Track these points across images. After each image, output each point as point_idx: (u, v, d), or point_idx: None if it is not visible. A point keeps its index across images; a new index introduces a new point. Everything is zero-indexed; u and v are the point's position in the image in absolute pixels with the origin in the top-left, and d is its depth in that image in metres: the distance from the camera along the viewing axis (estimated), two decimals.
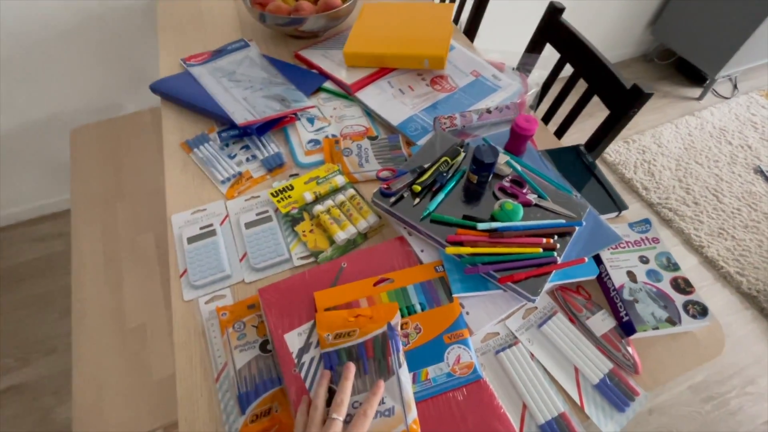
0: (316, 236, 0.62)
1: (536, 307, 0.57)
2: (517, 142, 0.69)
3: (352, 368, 0.46)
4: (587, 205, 0.61)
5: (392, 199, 0.60)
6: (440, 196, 0.60)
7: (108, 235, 0.87)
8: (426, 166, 0.63)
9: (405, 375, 0.47)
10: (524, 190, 0.61)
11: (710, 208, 1.56)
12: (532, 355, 0.53)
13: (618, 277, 0.57)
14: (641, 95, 0.72)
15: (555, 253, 0.55)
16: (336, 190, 0.67)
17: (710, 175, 1.66)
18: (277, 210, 0.65)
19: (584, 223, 0.59)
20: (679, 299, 0.55)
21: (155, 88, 0.79)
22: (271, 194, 0.65)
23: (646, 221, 0.63)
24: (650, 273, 0.57)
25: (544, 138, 0.80)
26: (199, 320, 0.55)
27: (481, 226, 0.56)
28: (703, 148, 1.76)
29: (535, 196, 0.61)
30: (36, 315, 1.24)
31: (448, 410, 0.47)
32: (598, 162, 1.73)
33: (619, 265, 0.58)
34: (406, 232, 0.61)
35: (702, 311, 0.54)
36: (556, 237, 0.57)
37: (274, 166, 0.71)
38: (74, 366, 0.72)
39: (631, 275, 0.57)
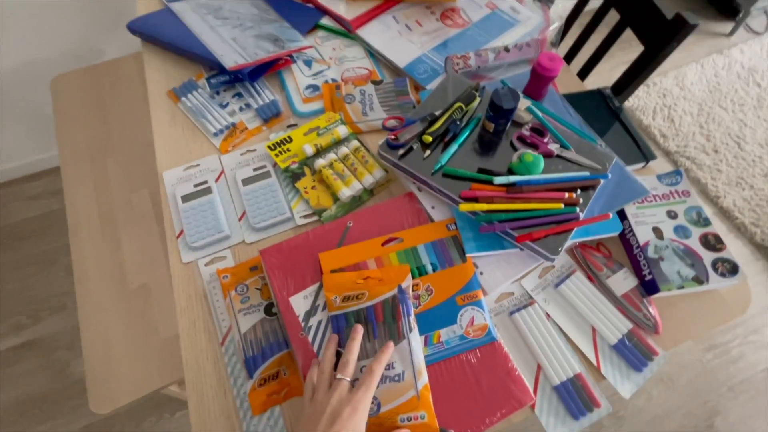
0: (318, 193, 0.57)
1: (553, 266, 0.54)
2: (538, 84, 0.62)
3: (359, 329, 0.44)
4: (613, 155, 0.55)
5: (400, 152, 0.55)
6: (453, 148, 0.55)
7: (101, 193, 0.83)
8: (437, 113, 0.57)
9: (416, 340, 0.44)
10: (545, 140, 0.56)
11: (730, 156, 1.49)
12: (548, 316, 0.51)
13: (643, 234, 0.53)
14: (685, 26, 0.63)
15: (577, 209, 0.51)
16: (338, 142, 0.61)
17: (734, 120, 1.57)
18: (275, 165, 0.60)
19: (610, 176, 0.54)
20: (708, 257, 0.51)
21: (133, 28, 0.71)
22: (269, 147, 0.60)
23: (678, 173, 0.58)
24: (678, 229, 0.53)
25: (565, 80, 0.73)
26: (200, 283, 0.52)
27: (497, 180, 0.51)
28: (728, 91, 1.64)
29: (557, 146, 0.56)
30: (42, 273, 1.24)
31: (461, 373, 0.45)
32: None
33: (644, 221, 0.54)
34: (415, 187, 0.57)
35: (732, 269, 0.50)
36: (578, 191, 0.52)
37: (269, 115, 0.65)
38: (81, 326, 0.72)
39: (657, 231, 0.53)
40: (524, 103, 0.57)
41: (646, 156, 0.61)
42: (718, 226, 1.39)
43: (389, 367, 0.43)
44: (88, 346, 0.70)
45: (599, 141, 0.59)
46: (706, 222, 0.54)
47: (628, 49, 1.17)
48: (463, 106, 0.57)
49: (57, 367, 1.12)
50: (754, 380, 1.17)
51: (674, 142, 1.53)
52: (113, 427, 1.05)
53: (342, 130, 0.61)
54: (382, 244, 0.51)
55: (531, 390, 0.46)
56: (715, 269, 0.50)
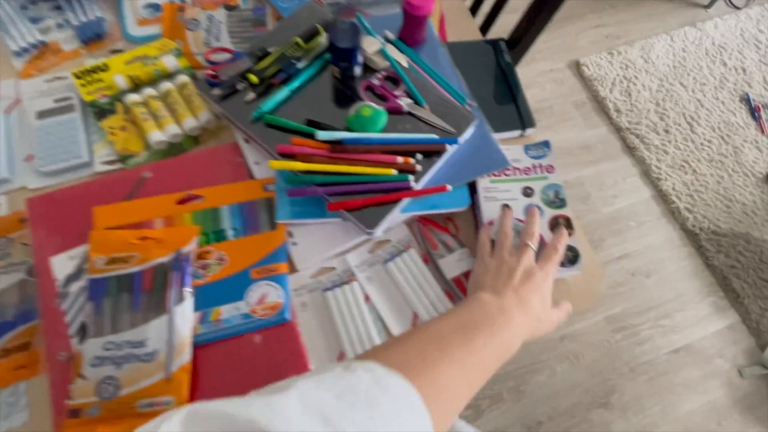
0: (128, 135, 0.48)
1: (389, 241, 0.47)
2: (410, 26, 0.52)
3: (536, 210, 0.45)
4: (473, 118, 0.47)
5: (215, 91, 0.45)
6: (282, 92, 0.46)
7: None
8: (272, 49, 0.47)
9: (183, 314, 0.38)
10: (396, 93, 0.47)
11: (680, 137, 1.43)
12: (367, 297, 0.44)
13: (490, 211, 0.46)
14: None
15: (411, 177, 0.43)
16: (164, 76, 0.51)
17: (691, 100, 1.49)
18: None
19: (460, 141, 0.46)
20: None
21: None
22: (75, 75, 0.49)
23: (546, 144, 0.50)
24: (529, 209, 0.46)
25: (464, 29, 0.62)
26: None
27: (320, 135, 0.43)
28: (693, 68, 1.55)
29: (410, 101, 0.47)
30: None
31: (239, 356, 0.39)
32: (576, 74, 1.53)
33: (495, 197, 0.47)
34: (243, 138, 0.48)
35: (573, 258, 0.45)
36: (419, 156, 0.44)
37: (91, 36, 0.53)
38: None
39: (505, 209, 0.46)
40: (373, 43, 0.48)
41: (524, 123, 0.53)
42: (652, 210, 1.35)
43: (138, 344, 0.36)
44: None
45: (469, 100, 0.50)
46: (562, 203, 0.47)
47: None
48: (301, 43, 0.47)
49: None
50: (656, 362, 1.18)
51: (627, 118, 1.45)
52: None
53: (170, 62, 0.51)
54: (178, 202, 0.43)
55: None
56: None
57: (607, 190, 1.38)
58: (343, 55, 0.44)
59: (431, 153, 0.45)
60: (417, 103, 0.47)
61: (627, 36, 1.62)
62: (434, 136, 0.45)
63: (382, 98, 0.47)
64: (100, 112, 0.49)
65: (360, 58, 0.46)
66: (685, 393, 1.16)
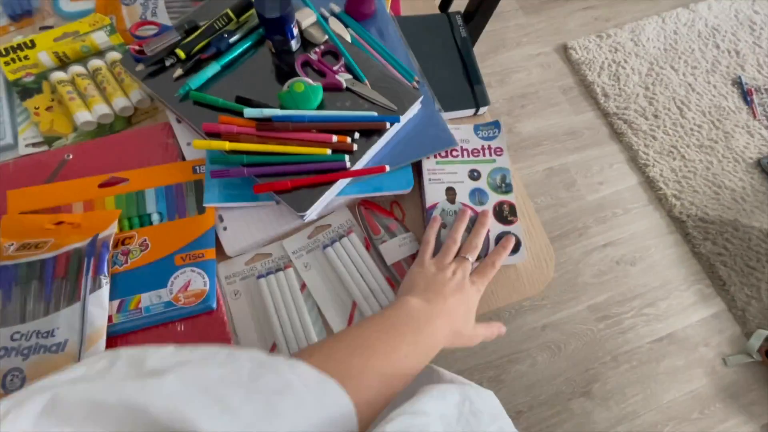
0: (54, 116, 0.46)
1: (329, 225, 0.45)
2: None
3: (488, 214, 0.43)
4: (419, 94, 0.45)
5: (140, 67, 0.42)
6: (212, 68, 0.43)
7: None
8: (202, 23, 0.44)
9: (97, 303, 0.36)
10: (336, 68, 0.44)
11: (669, 123, 1.39)
12: (303, 285, 0.42)
13: (434, 194, 0.44)
14: None
15: (347, 158, 0.41)
16: (94, 54, 0.48)
17: (681, 84, 1.45)
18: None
19: (403, 119, 0.43)
20: (495, 229, 0.43)
21: None
22: None
23: (496, 124, 0.47)
24: (475, 193, 0.44)
25: (421, 4, 0.59)
26: None
27: (248, 112, 0.40)
28: (684, 50, 1.51)
29: (350, 77, 0.44)
30: None
31: (157, 344, 0.37)
32: (564, 58, 1.48)
33: (440, 179, 0.44)
34: (175, 118, 0.45)
35: (514, 247, 0.42)
36: (357, 135, 0.42)
37: (19, 11, 0.51)
38: None
39: (450, 192, 0.44)
40: (309, 15, 0.45)
41: (477, 101, 0.50)
42: (639, 197, 1.32)
43: (47, 334, 0.34)
44: None
45: (418, 77, 0.48)
46: (508, 189, 0.44)
47: None
48: (232, 15, 0.44)
49: None
50: (639, 351, 1.17)
51: (615, 102, 1.41)
52: None
53: (99, 38, 0.48)
54: (101, 185, 0.41)
55: None
56: (497, 243, 0.42)
57: (593, 176, 1.34)
58: (273, 27, 0.41)
59: (371, 132, 0.42)
60: (357, 78, 0.44)
61: (617, 18, 1.58)
62: (374, 113, 0.43)
63: (320, 74, 0.44)
64: (24, 91, 0.46)
65: (295, 31, 0.43)
66: (668, 382, 1.14)
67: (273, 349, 0.40)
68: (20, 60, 0.47)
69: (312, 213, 0.40)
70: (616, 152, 1.38)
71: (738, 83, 1.46)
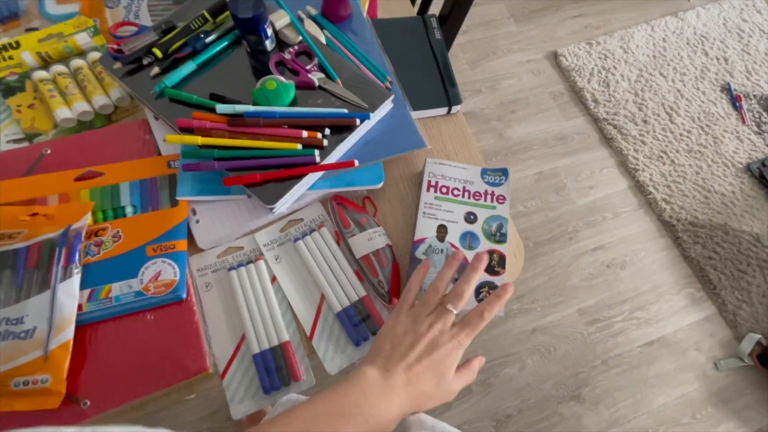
0: (35, 113, 0.47)
1: (302, 219, 0.46)
2: (332, 2, 0.50)
3: (484, 259, 0.38)
4: (391, 94, 0.46)
5: (117, 65, 0.44)
6: (188, 67, 0.44)
7: None
8: (180, 24, 0.46)
9: (67, 291, 0.37)
10: (309, 67, 0.45)
11: (659, 128, 1.40)
12: (274, 278, 0.43)
13: (424, 229, 0.44)
14: None
15: (317, 152, 0.42)
16: (76, 54, 0.50)
17: (671, 91, 1.47)
18: None
19: (373, 116, 0.44)
20: (479, 278, 0.43)
21: None
22: None
23: (504, 171, 0.47)
24: (466, 236, 0.44)
25: (398, 8, 0.61)
26: None
27: (220, 108, 0.42)
28: (673, 57, 1.52)
29: (322, 75, 0.46)
30: None
31: (128, 335, 0.38)
32: (554, 65, 1.50)
33: (435, 215, 0.45)
34: (153, 115, 0.46)
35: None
36: (327, 131, 0.43)
37: (6, 14, 0.52)
38: None
39: (441, 230, 0.44)
40: (283, 17, 0.46)
41: (450, 100, 0.51)
42: (629, 201, 1.33)
43: (16, 321, 0.35)
44: None
45: (390, 77, 0.49)
46: (502, 239, 0.44)
47: None
48: (208, 16, 0.45)
49: None
50: (629, 355, 1.16)
51: (604, 108, 1.43)
52: None
53: (82, 39, 0.50)
54: (77, 179, 0.42)
55: (228, 357, 0.39)
56: (477, 294, 0.42)
57: (583, 181, 1.35)
58: (246, 27, 0.43)
59: (342, 128, 0.43)
60: (329, 77, 0.46)
61: (607, 26, 1.60)
62: (345, 110, 0.44)
63: (294, 72, 0.46)
64: (7, 89, 0.47)
65: (269, 32, 0.45)
66: (658, 386, 1.14)
67: (243, 338, 0.41)
68: (5, 60, 0.48)
69: (282, 206, 0.41)
70: (606, 157, 1.39)
71: (727, 89, 1.48)
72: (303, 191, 0.43)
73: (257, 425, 0.30)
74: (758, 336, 1.15)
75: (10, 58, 0.49)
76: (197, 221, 0.43)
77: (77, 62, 0.48)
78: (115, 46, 0.44)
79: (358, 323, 0.41)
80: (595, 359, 1.16)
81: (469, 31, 1.55)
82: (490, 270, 0.43)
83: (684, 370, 1.16)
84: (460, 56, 1.50)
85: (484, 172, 0.48)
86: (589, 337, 1.18)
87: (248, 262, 0.43)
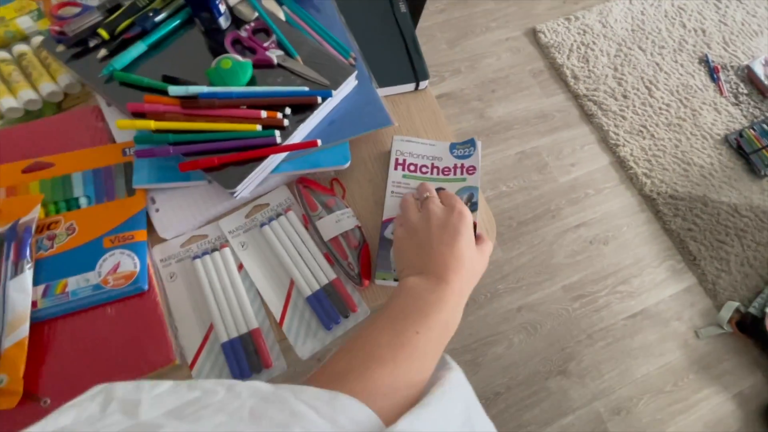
0: None
1: (268, 204, 0.44)
2: None
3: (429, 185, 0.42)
4: (354, 70, 0.44)
5: (60, 48, 0.41)
6: (137, 48, 0.42)
7: None
8: (126, 2, 0.43)
9: (19, 288, 0.35)
10: (266, 44, 0.44)
11: (638, 102, 1.40)
12: (241, 265, 0.42)
13: (394, 208, 0.43)
14: None
15: (277, 133, 0.40)
16: (19, 39, 0.47)
17: (649, 64, 1.46)
18: None
19: (335, 94, 0.43)
20: None
21: None
22: None
23: (471, 142, 0.46)
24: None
25: None
26: None
27: (172, 90, 0.40)
28: (652, 30, 1.52)
29: (281, 53, 0.44)
30: None
31: (88, 329, 0.36)
32: (533, 42, 1.48)
33: (403, 193, 0.44)
34: (105, 101, 0.44)
35: None
36: (288, 111, 0.41)
37: None
38: None
39: None
40: None
41: (417, 75, 0.50)
42: (611, 177, 1.34)
43: None
44: None
45: (354, 53, 0.47)
46: (473, 207, 0.43)
47: None
48: None
49: None
50: (613, 328, 1.18)
51: (584, 84, 1.42)
52: None
53: (25, 23, 0.47)
54: (24, 171, 0.40)
55: (195, 349, 0.38)
56: None
57: (565, 158, 1.36)
58: (197, 3, 0.40)
59: (303, 107, 0.42)
60: (288, 54, 0.44)
61: (585, 1, 1.58)
62: (306, 88, 0.42)
63: (251, 51, 0.44)
64: None
65: (222, 8, 0.42)
66: (642, 356, 1.16)
67: (211, 328, 0.39)
68: None
69: (244, 190, 0.40)
70: (587, 133, 1.39)
71: (705, 61, 1.48)
72: (266, 174, 0.41)
73: (329, 358, 0.30)
74: (736, 303, 1.18)
75: None
76: (157, 210, 0.41)
77: (20, 48, 0.46)
78: (57, 28, 0.41)
79: (329, 307, 0.40)
80: (580, 334, 1.18)
81: (447, 9, 1.52)
82: None
83: (666, 340, 1.18)
84: (438, 36, 1.48)
85: (452, 146, 0.47)
86: (574, 313, 1.20)
87: (213, 250, 0.42)
